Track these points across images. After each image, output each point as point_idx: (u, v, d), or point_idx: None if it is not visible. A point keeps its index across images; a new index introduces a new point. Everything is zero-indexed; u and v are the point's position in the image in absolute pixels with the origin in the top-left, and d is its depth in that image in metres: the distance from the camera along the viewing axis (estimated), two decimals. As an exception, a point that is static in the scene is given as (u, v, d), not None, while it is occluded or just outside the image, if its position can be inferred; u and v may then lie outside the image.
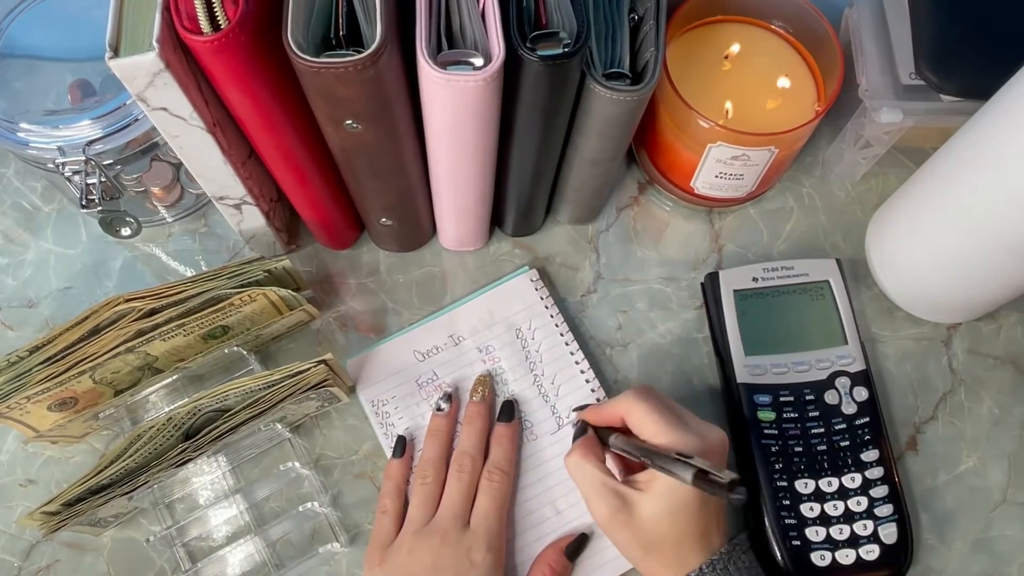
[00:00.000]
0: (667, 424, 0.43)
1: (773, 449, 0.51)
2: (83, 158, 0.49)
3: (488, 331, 0.55)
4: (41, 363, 0.47)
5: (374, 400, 0.53)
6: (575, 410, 0.51)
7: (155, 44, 0.36)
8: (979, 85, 0.50)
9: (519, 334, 0.55)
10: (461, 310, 0.56)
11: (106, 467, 0.45)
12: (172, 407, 0.47)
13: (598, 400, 0.53)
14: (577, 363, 0.54)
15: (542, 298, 0.56)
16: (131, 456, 0.46)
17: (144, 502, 0.50)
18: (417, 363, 0.54)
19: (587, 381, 0.54)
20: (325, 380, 0.48)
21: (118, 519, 0.50)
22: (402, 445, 0.51)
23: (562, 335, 0.55)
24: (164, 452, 0.47)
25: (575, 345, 0.54)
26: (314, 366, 0.47)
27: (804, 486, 0.50)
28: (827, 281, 0.55)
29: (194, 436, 0.47)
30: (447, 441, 0.51)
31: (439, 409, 0.52)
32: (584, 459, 0.45)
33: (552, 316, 0.55)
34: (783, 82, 0.55)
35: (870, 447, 0.51)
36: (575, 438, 0.48)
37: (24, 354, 0.47)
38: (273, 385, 0.47)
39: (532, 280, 0.56)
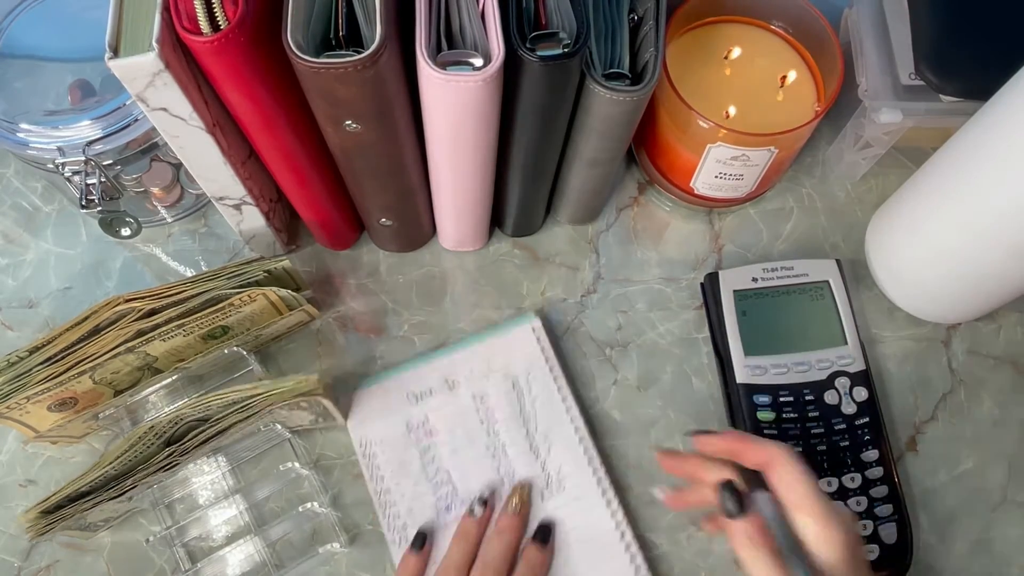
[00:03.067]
0: (819, 496, 0.38)
1: (773, 449, 0.51)
2: (83, 158, 0.49)
3: (485, 379, 0.53)
4: (41, 363, 0.47)
5: (362, 440, 0.52)
6: (694, 434, 0.43)
7: (155, 44, 0.36)
8: (979, 85, 0.50)
9: (515, 385, 0.53)
10: (459, 355, 0.54)
11: (87, 477, 0.45)
12: (156, 415, 0.47)
13: (590, 464, 0.51)
14: (572, 421, 0.52)
15: (543, 349, 0.54)
16: (111, 464, 0.46)
17: (144, 502, 0.50)
18: (410, 405, 0.53)
19: (580, 441, 0.52)
20: (314, 390, 0.48)
21: (108, 523, 0.50)
22: (421, 540, 0.49)
23: (559, 390, 0.53)
24: (147, 459, 0.47)
25: (572, 402, 0.53)
26: (296, 384, 0.47)
27: (804, 486, 0.50)
28: (827, 281, 0.55)
29: (177, 441, 0.47)
30: (474, 547, 0.48)
31: (471, 512, 0.49)
32: (759, 548, 0.38)
33: (551, 370, 0.53)
34: (783, 81, 0.55)
35: (870, 447, 0.51)
36: (728, 497, 0.40)
37: (24, 354, 0.47)
38: (255, 397, 0.47)
39: (534, 330, 0.55)
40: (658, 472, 0.53)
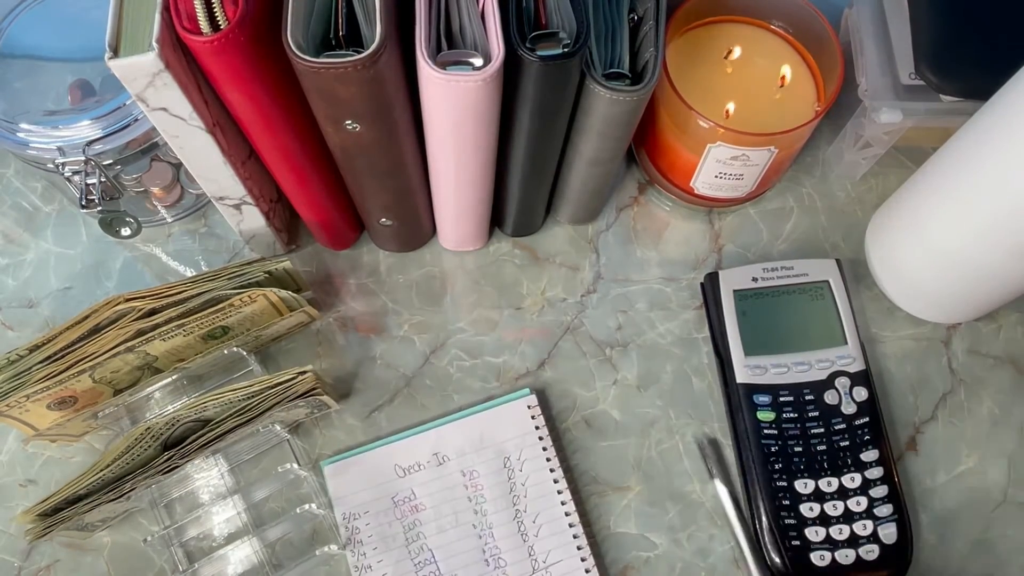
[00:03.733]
0: None
1: (773, 449, 0.51)
2: (83, 158, 0.49)
3: (475, 455, 0.52)
4: (41, 362, 0.47)
5: (346, 513, 0.51)
6: None
7: (155, 44, 0.36)
8: (979, 85, 0.50)
9: (507, 463, 0.51)
10: (450, 427, 0.52)
11: (84, 480, 0.45)
12: (153, 417, 0.47)
13: (580, 552, 0.49)
14: (563, 504, 0.51)
15: (537, 427, 0.52)
16: (108, 467, 0.46)
17: (142, 502, 0.50)
18: (396, 479, 0.51)
19: (571, 526, 0.50)
20: (314, 389, 0.48)
21: (106, 523, 0.50)
22: None
23: (552, 471, 0.51)
24: (146, 462, 0.47)
25: (564, 484, 0.51)
26: (293, 378, 0.47)
27: (804, 486, 0.50)
28: (827, 281, 0.55)
29: (174, 446, 0.47)
30: None
31: None
32: None
33: (545, 449, 0.52)
34: (783, 81, 0.55)
35: (870, 447, 0.51)
36: None
37: (24, 352, 0.47)
38: (254, 396, 0.47)
39: (529, 407, 0.53)
40: (658, 473, 0.53)
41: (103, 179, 0.50)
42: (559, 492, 0.51)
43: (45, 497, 0.46)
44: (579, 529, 0.50)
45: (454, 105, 0.40)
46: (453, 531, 0.50)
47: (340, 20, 0.39)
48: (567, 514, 0.51)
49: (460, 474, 0.52)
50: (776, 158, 0.52)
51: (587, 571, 0.49)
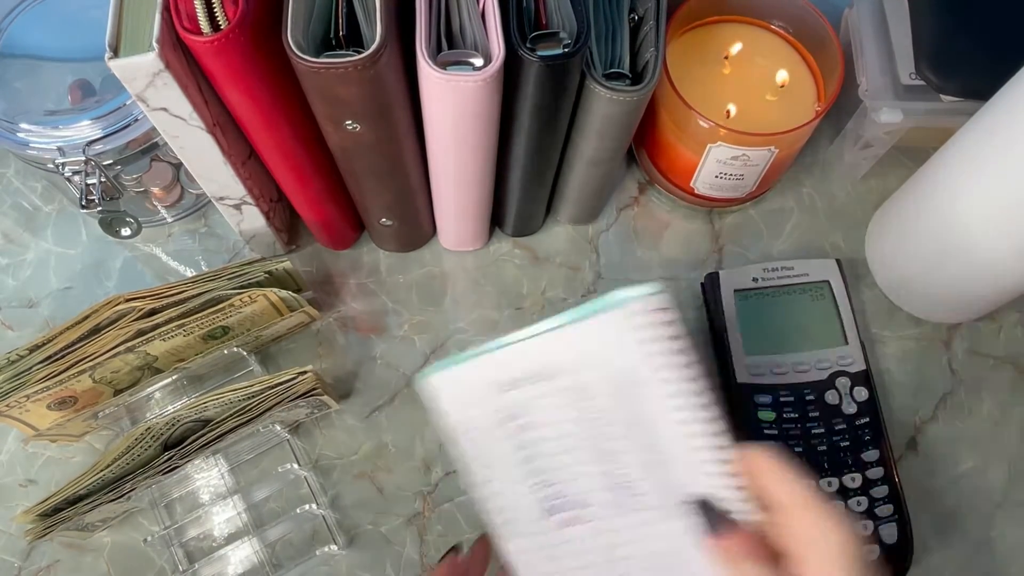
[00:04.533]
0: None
1: (773, 449, 0.51)
2: (83, 158, 0.49)
3: (593, 370, 0.36)
4: (41, 362, 0.47)
5: (456, 426, 0.39)
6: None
7: (155, 44, 0.36)
8: (979, 85, 0.50)
9: (633, 377, 0.36)
10: (569, 331, 0.35)
11: (84, 480, 0.46)
12: (154, 417, 0.47)
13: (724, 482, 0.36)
14: (704, 422, 0.35)
15: (670, 332, 0.36)
16: (109, 467, 0.46)
17: (143, 502, 0.51)
18: (504, 392, 0.37)
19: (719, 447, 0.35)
20: (314, 389, 0.48)
21: (106, 523, 0.50)
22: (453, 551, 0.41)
23: (686, 381, 0.36)
24: (146, 463, 0.47)
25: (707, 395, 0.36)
26: (293, 378, 0.47)
27: (804, 486, 0.50)
28: (827, 281, 0.55)
29: (174, 446, 0.47)
30: None
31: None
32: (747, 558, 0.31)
33: (677, 356, 0.36)
34: (783, 82, 0.55)
35: (870, 447, 0.51)
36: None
37: (24, 352, 0.47)
38: (254, 396, 0.47)
39: (660, 306, 0.35)
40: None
41: (103, 179, 0.50)
42: (695, 409, 0.36)
43: (45, 497, 0.46)
44: (726, 453, 0.35)
45: (454, 105, 0.40)
46: (572, 454, 0.37)
47: (340, 20, 0.39)
48: (710, 434, 0.35)
49: (579, 390, 0.36)
50: (776, 158, 0.52)
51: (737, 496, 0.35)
